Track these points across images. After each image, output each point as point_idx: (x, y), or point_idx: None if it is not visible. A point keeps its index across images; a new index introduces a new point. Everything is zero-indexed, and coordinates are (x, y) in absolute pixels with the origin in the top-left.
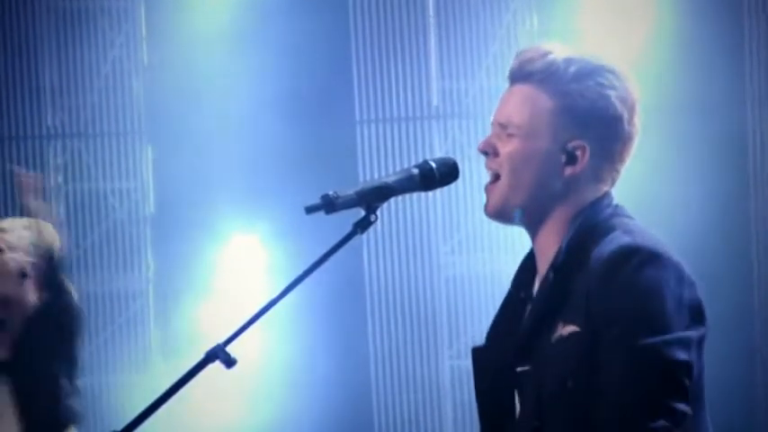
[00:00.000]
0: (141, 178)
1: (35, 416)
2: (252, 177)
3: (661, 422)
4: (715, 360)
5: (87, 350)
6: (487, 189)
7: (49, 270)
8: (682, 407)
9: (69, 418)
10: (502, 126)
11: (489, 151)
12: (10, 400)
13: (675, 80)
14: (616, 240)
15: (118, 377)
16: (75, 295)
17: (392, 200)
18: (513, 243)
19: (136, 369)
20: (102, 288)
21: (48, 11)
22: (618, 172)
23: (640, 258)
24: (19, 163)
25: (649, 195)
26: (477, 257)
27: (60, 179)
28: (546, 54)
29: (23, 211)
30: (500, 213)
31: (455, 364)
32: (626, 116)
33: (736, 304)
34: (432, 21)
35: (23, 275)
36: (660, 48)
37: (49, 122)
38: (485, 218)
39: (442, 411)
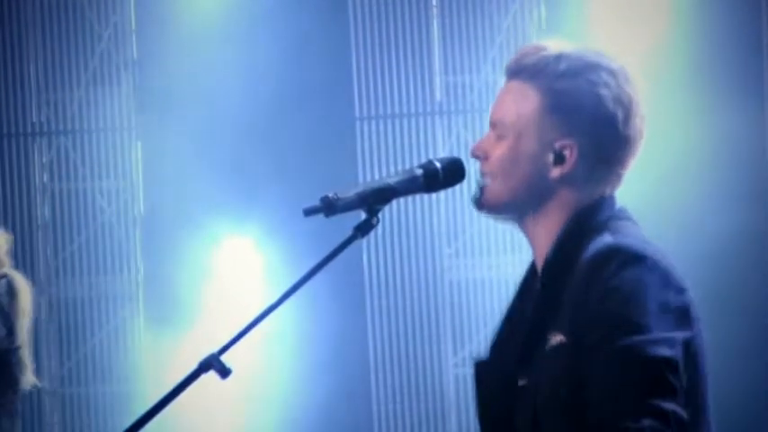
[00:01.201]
0: (130, 177)
1: None
2: (246, 176)
3: (647, 422)
4: (733, 363)
5: (74, 359)
6: (479, 184)
7: None
8: (670, 406)
9: None
10: (493, 125)
11: (480, 155)
12: None
13: (691, 77)
14: (599, 242)
15: (107, 387)
16: None
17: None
18: (521, 246)
19: (125, 378)
20: (89, 293)
21: (33, 2)
22: (618, 176)
23: (621, 259)
24: (2, 162)
25: (674, 200)
26: (483, 261)
27: (46, 178)
28: (540, 49)
29: None
30: (490, 209)
31: (460, 373)
32: (620, 116)
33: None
34: (435, 11)
35: None
36: (673, 42)
37: (35, 119)
38: (491, 219)
39: (447, 422)
